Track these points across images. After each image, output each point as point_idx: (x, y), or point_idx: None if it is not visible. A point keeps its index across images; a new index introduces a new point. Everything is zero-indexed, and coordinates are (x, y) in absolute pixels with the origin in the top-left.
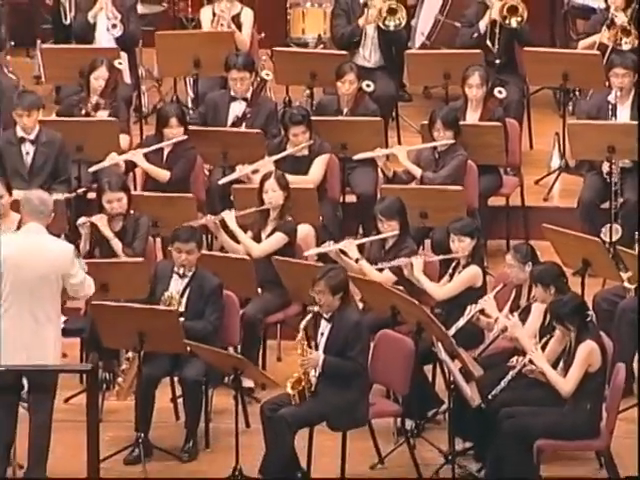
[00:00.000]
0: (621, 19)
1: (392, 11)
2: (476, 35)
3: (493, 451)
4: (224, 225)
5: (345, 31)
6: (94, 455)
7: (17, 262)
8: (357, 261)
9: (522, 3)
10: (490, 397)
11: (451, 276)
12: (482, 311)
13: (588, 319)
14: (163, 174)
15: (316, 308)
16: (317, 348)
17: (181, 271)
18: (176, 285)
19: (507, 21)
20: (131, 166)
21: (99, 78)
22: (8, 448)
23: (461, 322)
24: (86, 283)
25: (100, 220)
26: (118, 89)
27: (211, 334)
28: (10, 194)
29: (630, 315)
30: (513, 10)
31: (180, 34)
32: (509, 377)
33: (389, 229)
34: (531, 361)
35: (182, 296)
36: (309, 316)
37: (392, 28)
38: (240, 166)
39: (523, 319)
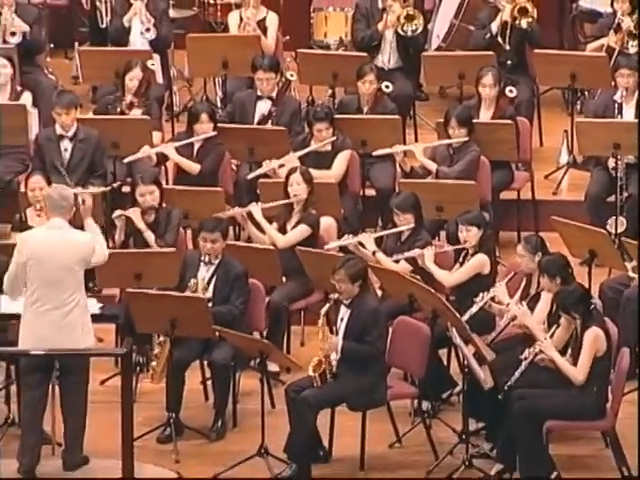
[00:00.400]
0: (627, 23)
1: (410, 17)
2: (488, 36)
3: (504, 431)
4: (251, 217)
5: (365, 35)
6: (128, 434)
7: (42, 256)
8: (374, 253)
9: (532, 4)
10: (506, 388)
11: (461, 264)
12: (494, 299)
13: (592, 307)
14: (194, 167)
15: (336, 295)
16: (337, 333)
17: (207, 259)
18: (203, 272)
19: (518, 22)
20: (162, 159)
21: (133, 78)
22: (40, 425)
23: (474, 309)
24: (101, 259)
25: (134, 213)
26: (151, 89)
27: (237, 318)
28: (50, 187)
29: (634, 303)
30: (523, 11)
31: (209, 37)
32: (522, 368)
33: (404, 222)
34: (542, 351)
35: (209, 283)
36: (330, 303)
37: (410, 33)
38: (267, 161)
39: (532, 307)
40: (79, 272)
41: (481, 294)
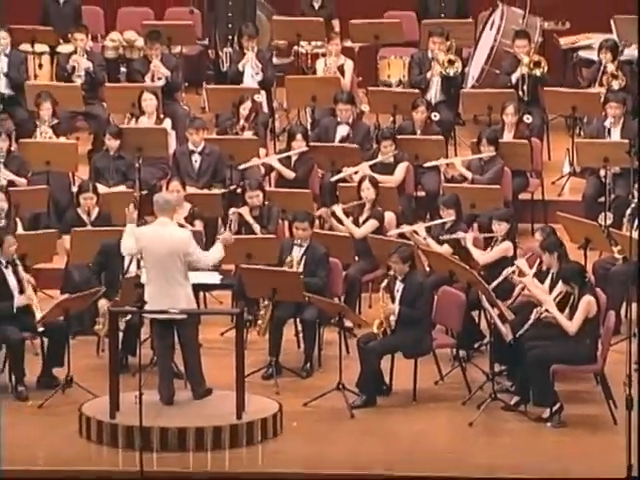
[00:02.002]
0: (610, 68)
1: (451, 62)
2: (509, 84)
3: (521, 373)
4: (334, 214)
5: (417, 79)
6: (241, 373)
7: (152, 245)
8: (425, 239)
9: (544, 59)
10: (517, 335)
11: (491, 248)
12: (517, 271)
13: (586, 280)
14: (291, 174)
15: (392, 272)
16: (394, 301)
17: (299, 242)
18: (296, 253)
19: (533, 72)
20: (269, 169)
21: (245, 108)
22: (171, 365)
23: (500, 279)
24: (204, 260)
25: (244, 210)
26: (259, 116)
27: (322, 287)
28: (184, 190)
29: (619, 277)
30: (538, 64)
31: (302, 78)
32: (531, 321)
33: (448, 215)
34: (547, 310)
35: (300, 261)
36: (388, 278)
37: (451, 74)
38: (345, 169)
39: (543, 279)
40: (179, 259)
41: (505, 270)
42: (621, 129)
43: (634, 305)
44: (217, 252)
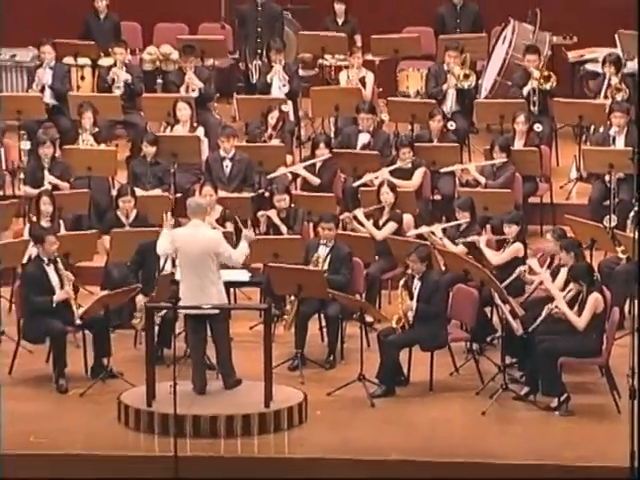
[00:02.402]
0: (614, 81)
1: (466, 76)
2: (520, 96)
3: (531, 365)
4: (355, 217)
5: (434, 90)
6: (268, 364)
7: (186, 246)
8: (441, 239)
9: (553, 74)
10: (530, 330)
11: (503, 249)
12: (528, 270)
13: (594, 278)
14: (316, 180)
15: (410, 271)
16: (412, 297)
17: (324, 242)
18: (321, 251)
19: (543, 86)
20: (295, 175)
21: (273, 117)
22: (204, 357)
23: (512, 277)
24: (233, 258)
25: (272, 212)
26: (285, 125)
27: (345, 284)
28: (216, 193)
29: (622, 275)
30: (547, 78)
31: (326, 89)
32: (542, 317)
33: (463, 218)
34: (557, 306)
35: (325, 259)
36: (406, 277)
37: (466, 87)
38: (366, 174)
39: (553, 277)
40: (210, 258)
41: (517, 269)
42: (625, 137)
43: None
44: (243, 249)
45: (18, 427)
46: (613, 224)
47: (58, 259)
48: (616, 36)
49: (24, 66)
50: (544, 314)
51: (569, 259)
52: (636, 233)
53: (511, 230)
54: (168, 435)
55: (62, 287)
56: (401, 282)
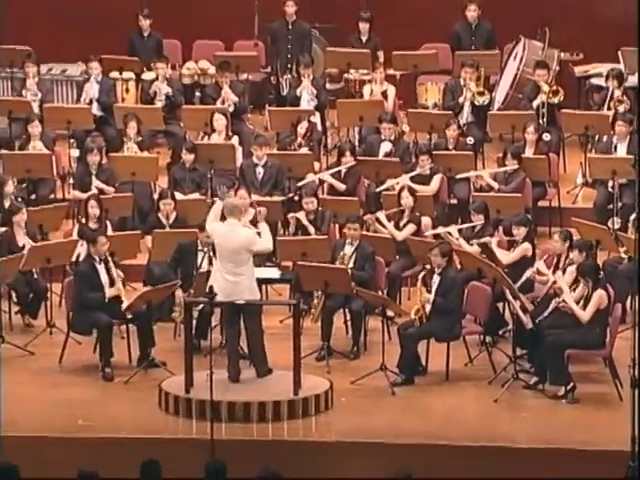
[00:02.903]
0: (617, 93)
1: (481, 93)
2: (530, 108)
3: (539, 356)
4: (378, 220)
5: (451, 103)
6: (297, 354)
7: (222, 242)
8: (457, 239)
9: (562, 89)
10: (537, 322)
11: (514, 249)
12: (538, 271)
13: (600, 276)
14: (341, 186)
15: (428, 266)
16: (430, 292)
17: (350, 241)
18: (347, 250)
19: (551, 99)
20: (322, 181)
21: (302, 127)
22: (238, 347)
23: (523, 278)
24: (265, 246)
25: (301, 214)
26: (313, 134)
27: (368, 280)
28: (250, 197)
29: (625, 274)
30: (556, 92)
31: (351, 102)
32: (550, 310)
33: (477, 220)
34: (564, 300)
35: (351, 257)
36: (425, 272)
37: (480, 103)
38: (388, 180)
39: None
40: (243, 254)
41: (528, 269)
42: (627, 146)
43: (638, 298)
44: (266, 232)
45: (68, 412)
46: (616, 226)
47: (109, 258)
48: (619, 53)
49: (74, 80)
50: (551, 307)
51: (580, 258)
52: (637, 235)
53: (519, 231)
54: (205, 420)
55: (111, 284)
56: (420, 277)
